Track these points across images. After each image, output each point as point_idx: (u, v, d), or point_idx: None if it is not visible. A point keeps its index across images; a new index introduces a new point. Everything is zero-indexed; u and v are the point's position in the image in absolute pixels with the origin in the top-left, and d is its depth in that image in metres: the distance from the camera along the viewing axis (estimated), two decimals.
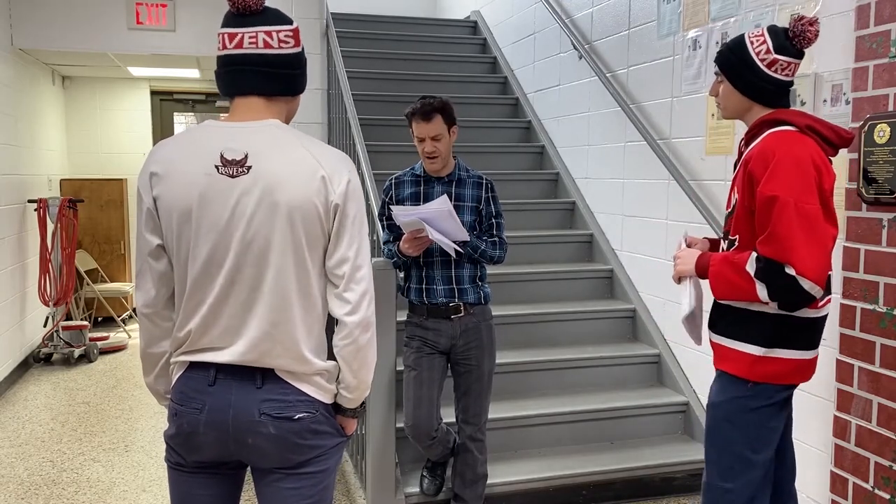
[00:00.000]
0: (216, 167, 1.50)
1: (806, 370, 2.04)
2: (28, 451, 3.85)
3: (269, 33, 1.55)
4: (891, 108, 2.48)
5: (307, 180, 1.50)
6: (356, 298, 1.55)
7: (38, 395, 4.84)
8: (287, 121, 1.67)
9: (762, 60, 2.00)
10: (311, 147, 1.55)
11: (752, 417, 2.02)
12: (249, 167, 1.50)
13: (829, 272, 2.02)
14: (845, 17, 2.71)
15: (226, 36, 1.56)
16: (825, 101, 2.82)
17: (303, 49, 1.64)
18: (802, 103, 2.92)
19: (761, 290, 1.90)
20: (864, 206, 2.58)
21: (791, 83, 2.05)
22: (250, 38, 1.55)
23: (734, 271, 1.95)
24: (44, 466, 3.66)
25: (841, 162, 2.68)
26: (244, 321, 1.53)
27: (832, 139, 1.98)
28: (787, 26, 2.01)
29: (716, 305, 2.12)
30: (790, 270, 1.84)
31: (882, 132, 2.49)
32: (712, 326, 2.13)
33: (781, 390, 2.02)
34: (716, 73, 2.12)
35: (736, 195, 2.04)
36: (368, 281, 1.58)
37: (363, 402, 1.69)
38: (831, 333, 2.71)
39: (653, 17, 3.94)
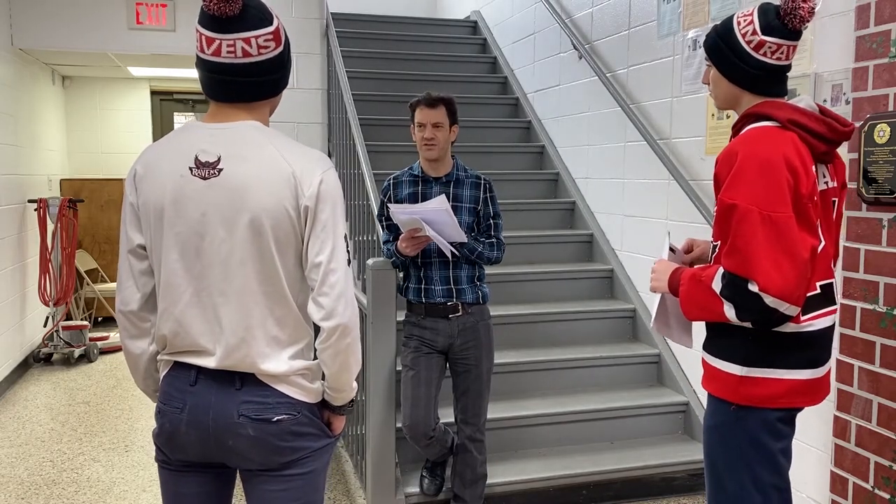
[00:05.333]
0: (190, 169, 1.49)
1: (809, 392, 1.80)
2: (28, 451, 3.85)
3: (247, 41, 1.48)
4: (891, 108, 2.48)
5: (277, 183, 1.48)
6: (330, 303, 1.51)
7: (38, 395, 4.84)
8: (271, 112, 1.65)
9: (748, 43, 1.80)
10: (284, 149, 1.52)
11: (748, 440, 1.80)
12: (221, 169, 1.49)
13: (828, 282, 1.84)
14: (845, 17, 2.71)
15: (203, 39, 1.49)
16: (825, 101, 2.82)
17: (285, 45, 1.57)
18: None
19: (728, 310, 1.72)
20: (864, 206, 2.58)
21: (786, 68, 1.84)
22: (228, 46, 1.48)
23: (701, 290, 1.77)
24: (44, 466, 3.66)
25: None
26: (218, 326, 1.52)
27: (823, 133, 1.77)
28: (779, 3, 1.81)
29: None
30: (753, 287, 1.66)
31: (882, 132, 2.49)
32: (704, 341, 1.94)
33: (776, 413, 1.79)
34: (705, 59, 1.93)
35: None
36: (344, 284, 1.52)
37: (352, 401, 1.68)
38: None
39: (653, 17, 3.94)
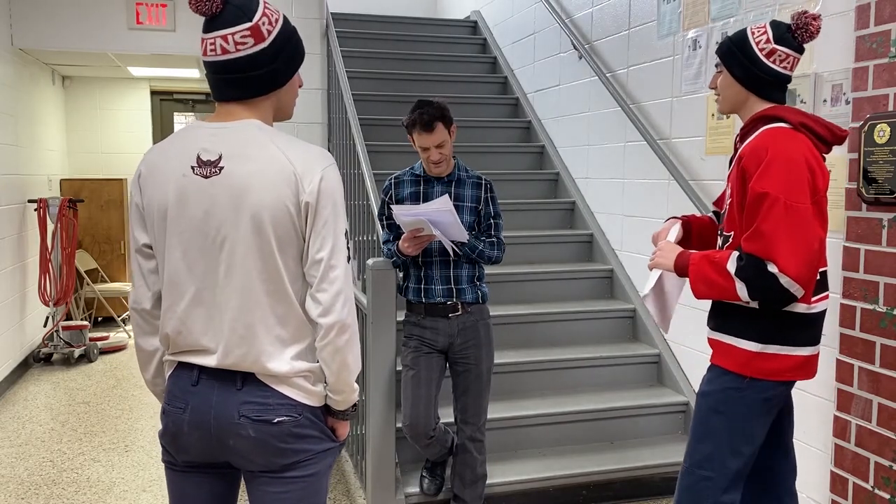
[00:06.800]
0: (192, 168, 1.50)
1: (808, 367, 2.03)
2: (28, 451, 3.85)
3: (224, 38, 1.51)
4: (891, 108, 2.48)
5: (278, 181, 1.48)
6: (328, 299, 1.52)
7: (38, 395, 4.84)
8: (280, 112, 1.64)
9: (761, 50, 2.02)
10: (285, 146, 1.52)
11: (740, 410, 2.02)
12: (222, 168, 1.49)
13: (824, 269, 2.05)
14: (845, 17, 2.71)
15: (200, 40, 1.56)
16: (825, 101, 2.82)
17: (273, 41, 1.55)
18: (802, 103, 2.92)
19: (741, 289, 1.91)
20: (864, 206, 2.58)
21: (789, 78, 2.05)
22: (210, 45, 1.52)
23: (714, 270, 1.96)
24: (44, 466, 3.66)
25: (841, 162, 2.68)
26: (220, 325, 1.52)
27: (826, 136, 1.99)
28: (790, 21, 2.03)
29: (714, 303, 2.12)
30: (772, 268, 1.86)
31: (882, 132, 2.49)
32: (710, 324, 2.13)
33: (777, 386, 2.02)
34: (716, 65, 2.13)
35: (730, 191, 2.04)
36: (343, 281, 1.53)
37: (355, 405, 1.67)
38: (831, 333, 2.71)
39: (653, 17, 3.94)
